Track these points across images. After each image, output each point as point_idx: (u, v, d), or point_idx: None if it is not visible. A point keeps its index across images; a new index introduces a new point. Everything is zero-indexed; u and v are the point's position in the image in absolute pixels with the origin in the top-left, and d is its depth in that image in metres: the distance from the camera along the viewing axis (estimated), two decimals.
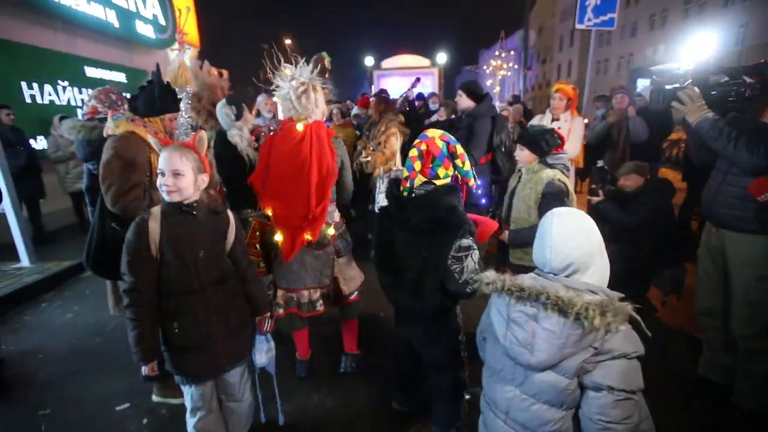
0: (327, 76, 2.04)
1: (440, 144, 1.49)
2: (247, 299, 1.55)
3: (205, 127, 3.02)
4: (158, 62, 3.06)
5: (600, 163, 3.22)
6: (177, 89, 2.94)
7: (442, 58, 15.81)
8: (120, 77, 6.46)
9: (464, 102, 3.09)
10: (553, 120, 3.28)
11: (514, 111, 4.91)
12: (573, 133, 3.23)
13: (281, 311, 2.06)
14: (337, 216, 2.09)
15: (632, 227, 2.46)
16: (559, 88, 3.27)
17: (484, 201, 3.00)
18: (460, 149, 1.51)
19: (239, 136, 2.42)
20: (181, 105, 3.04)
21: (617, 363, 0.91)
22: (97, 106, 2.25)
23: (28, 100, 4.96)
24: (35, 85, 5.06)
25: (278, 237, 1.97)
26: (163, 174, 1.35)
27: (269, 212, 1.96)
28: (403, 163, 3.58)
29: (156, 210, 1.39)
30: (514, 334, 1.01)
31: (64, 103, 5.45)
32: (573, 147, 3.21)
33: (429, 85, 15.43)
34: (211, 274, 1.40)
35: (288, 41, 34.03)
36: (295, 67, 1.92)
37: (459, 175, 1.51)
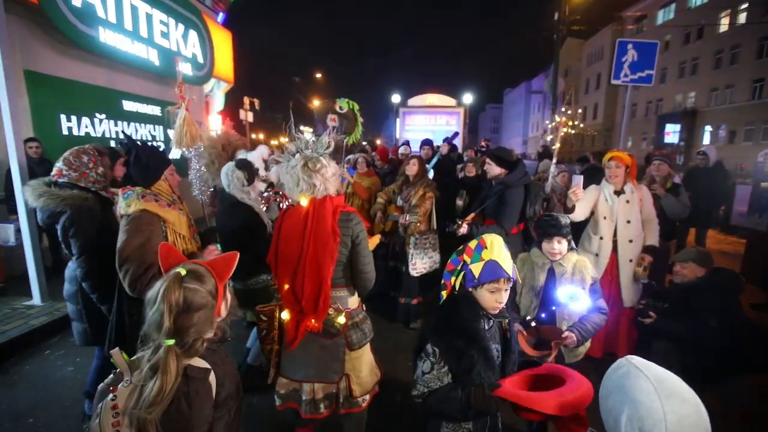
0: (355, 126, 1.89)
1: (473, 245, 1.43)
2: None
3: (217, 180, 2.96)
4: (168, 109, 3.01)
5: (644, 279, 2.83)
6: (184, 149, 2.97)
7: (468, 98, 15.98)
8: (155, 110, 6.66)
9: (494, 170, 2.94)
10: (618, 193, 2.85)
11: (544, 167, 4.65)
12: (647, 204, 2.89)
13: (280, 403, 1.83)
14: (352, 302, 1.84)
15: (695, 339, 2.09)
16: (613, 155, 2.87)
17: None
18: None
19: (251, 199, 2.36)
20: (193, 162, 3.04)
21: None
22: (63, 168, 2.01)
23: (65, 132, 5.09)
24: (73, 117, 5.21)
25: (285, 315, 1.79)
26: None
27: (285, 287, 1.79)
28: (438, 225, 3.52)
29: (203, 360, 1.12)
30: None
31: (99, 135, 5.59)
32: (655, 219, 2.88)
33: (454, 124, 15.53)
34: None
35: (318, 75, 35.73)
36: (311, 135, 1.80)
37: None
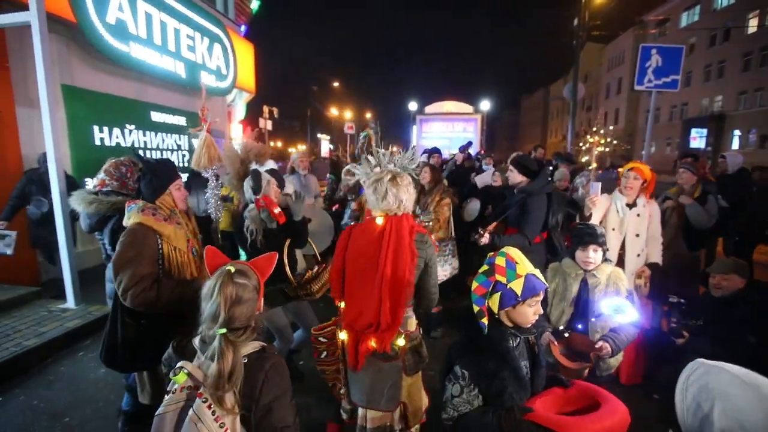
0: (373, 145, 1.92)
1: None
2: None
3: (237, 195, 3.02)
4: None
5: (673, 298, 2.73)
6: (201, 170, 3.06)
7: (485, 104, 15.94)
8: (181, 120, 6.89)
9: (516, 177, 2.91)
10: (630, 206, 2.81)
11: (562, 177, 4.58)
12: (655, 221, 2.83)
13: (345, 417, 1.83)
14: (412, 324, 1.78)
15: (733, 358, 2.00)
16: (634, 166, 2.83)
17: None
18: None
19: (249, 212, 2.39)
20: (210, 182, 3.11)
21: None
22: (105, 179, 2.23)
23: (98, 143, 5.34)
24: (105, 128, 5.46)
25: (343, 336, 1.75)
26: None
27: (341, 305, 1.76)
28: (456, 231, 3.54)
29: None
30: None
31: (129, 144, 5.82)
32: (660, 237, 2.81)
33: (471, 131, 15.49)
34: None
35: (336, 84, 36.32)
36: (382, 154, 1.77)
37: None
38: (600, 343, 1.72)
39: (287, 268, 2.34)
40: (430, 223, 3.35)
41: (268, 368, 1.15)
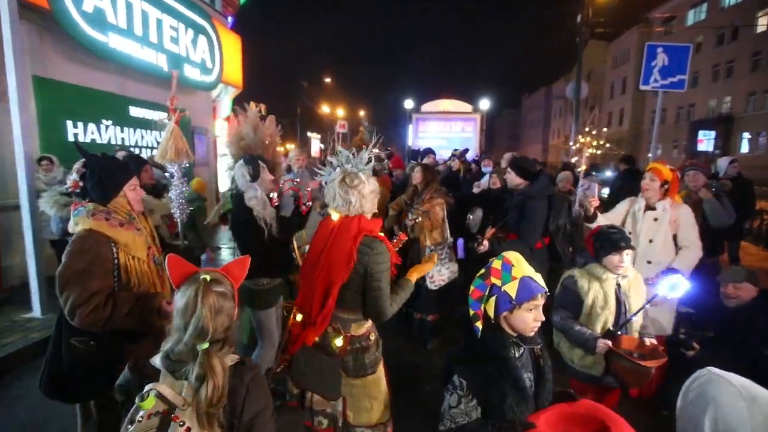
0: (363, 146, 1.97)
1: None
2: None
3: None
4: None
5: (682, 308, 2.70)
6: (167, 163, 3.03)
7: (484, 103, 16.03)
8: (162, 116, 6.83)
9: (514, 180, 2.94)
10: (647, 209, 2.76)
11: (564, 179, 4.63)
12: (684, 227, 2.67)
13: (288, 399, 1.85)
14: (356, 328, 1.82)
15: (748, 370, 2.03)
16: (652, 167, 2.76)
17: None
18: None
19: (255, 198, 2.40)
20: (175, 179, 3.09)
21: None
22: (78, 180, 2.05)
23: (71, 138, 5.26)
24: (80, 124, 5.39)
25: (299, 318, 1.86)
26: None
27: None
28: (452, 233, 3.57)
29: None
30: None
31: (105, 141, 5.76)
32: (694, 246, 2.65)
33: (470, 131, 15.58)
34: None
35: (327, 79, 36.33)
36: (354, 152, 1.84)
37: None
38: (650, 341, 1.85)
39: (297, 252, 2.42)
40: (419, 219, 3.37)
41: (248, 381, 1.14)
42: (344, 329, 1.80)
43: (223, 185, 8.42)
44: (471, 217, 3.95)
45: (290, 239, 2.69)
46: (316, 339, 1.77)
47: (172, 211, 3.15)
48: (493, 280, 1.35)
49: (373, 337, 1.88)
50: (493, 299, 1.34)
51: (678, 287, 1.91)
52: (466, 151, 5.69)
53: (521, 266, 1.36)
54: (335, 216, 1.78)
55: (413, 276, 1.92)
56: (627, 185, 4.25)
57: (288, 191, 2.77)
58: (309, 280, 1.81)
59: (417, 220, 3.38)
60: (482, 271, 1.42)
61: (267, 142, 2.92)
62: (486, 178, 4.68)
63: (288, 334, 1.91)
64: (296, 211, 2.60)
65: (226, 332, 1.16)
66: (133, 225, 1.82)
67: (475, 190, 4.41)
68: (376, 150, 1.86)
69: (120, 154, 2.22)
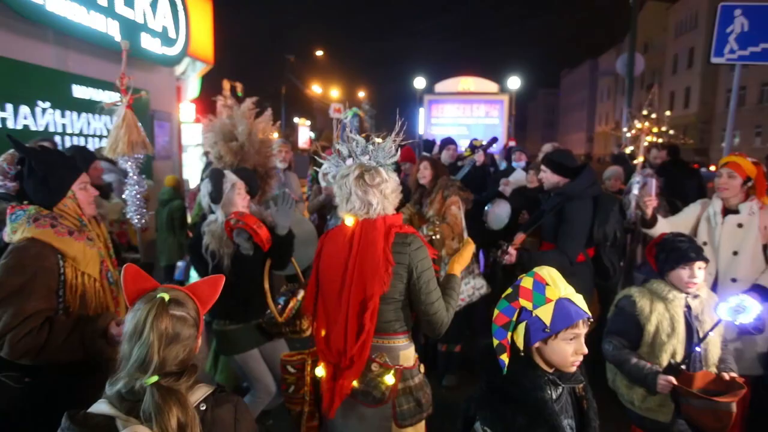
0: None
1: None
2: None
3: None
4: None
5: None
6: (119, 158, 3.01)
7: (514, 82, 16.03)
8: (113, 97, 6.83)
9: (550, 178, 2.94)
10: (726, 212, 2.71)
11: (612, 176, 4.56)
12: None
13: None
14: (407, 357, 1.80)
15: None
16: (729, 161, 2.72)
17: None
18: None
19: (208, 227, 2.41)
20: (129, 176, 3.06)
21: None
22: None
23: None
24: (9, 106, 5.40)
25: (320, 371, 1.83)
26: None
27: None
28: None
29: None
30: None
31: (42, 128, 5.77)
32: None
33: (496, 116, 15.58)
34: None
35: (319, 52, 36.67)
36: (364, 141, 1.82)
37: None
38: (730, 375, 1.86)
39: (270, 299, 2.35)
40: (438, 236, 3.34)
41: (235, 408, 1.21)
42: (392, 361, 1.74)
43: (193, 182, 8.46)
44: (490, 210, 3.87)
45: (255, 282, 2.53)
46: (355, 385, 1.70)
47: (128, 216, 3.14)
48: (523, 302, 1.36)
49: (422, 367, 1.88)
50: (522, 326, 1.35)
51: (746, 310, 1.88)
52: (494, 141, 5.61)
53: (558, 285, 1.36)
54: (350, 221, 1.77)
55: (456, 269, 1.94)
56: (667, 183, 4.14)
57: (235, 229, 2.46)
58: (330, 312, 1.78)
59: (436, 235, 3.35)
60: (509, 290, 1.42)
61: (260, 137, 2.94)
62: (517, 174, 4.65)
63: (310, 395, 1.87)
64: (256, 248, 2.42)
65: (183, 364, 1.17)
66: (84, 233, 1.84)
67: (504, 188, 4.39)
68: (379, 140, 1.84)
69: (45, 144, 2.19)
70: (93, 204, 1.98)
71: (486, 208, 4.05)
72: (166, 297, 1.17)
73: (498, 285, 3.56)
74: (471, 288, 3.47)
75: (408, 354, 1.80)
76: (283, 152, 4.54)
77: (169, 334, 1.13)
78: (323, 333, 1.80)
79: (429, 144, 6.39)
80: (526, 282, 1.38)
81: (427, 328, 1.80)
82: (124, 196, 3.15)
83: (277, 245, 2.42)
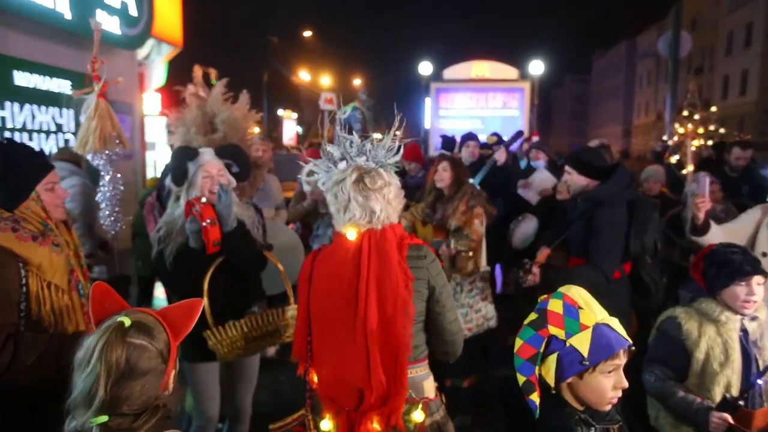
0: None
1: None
2: None
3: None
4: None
5: None
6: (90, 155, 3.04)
7: (536, 67, 16.09)
8: (63, 86, 6.87)
9: (578, 181, 2.94)
10: None
11: (650, 177, 4.54)
12: None
13: None
14: (429, 387, 1.83)
15: None
16: None
17: None
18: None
19: (166, 222, 2.48)
20: (103, 174, 3.09)
21: None
22: None
23: None
24: None
25: (326, 425, 1.78)
26: None
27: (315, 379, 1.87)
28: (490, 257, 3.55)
29: None
30: None
31: None
32: None
33: (515, 107, 15.63)
34: None
35: (307, 33, 36.89)
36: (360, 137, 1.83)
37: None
38: None
39: (207, 310, 2.31)
40: (467, 250, 3.36)
41: None
42: (416, 394, 1.77)
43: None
44: (516, 229, 3.88)
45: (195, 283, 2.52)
46: (377, 428, 1.69)
47: (102, 221, 3.19)
48: (553, 329, 1.35)
49: (443, 396, 1.92)
50: (552, 359, 1.34)
51: None
52: (520, 135, 5.57)
53: (593, 308, 1.37)
54: (352, 234, 1.75)
55: None
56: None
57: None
58: (336, 349, 1.76)
59: (465, 251, 3.34)
60: (533, 316, 1.42)
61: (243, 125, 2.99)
62: (541, 175, 4.64)
63: None
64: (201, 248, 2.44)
65: (144, 404, 1.17)
66: (50, 239, 1.87)
67: (525, 192, 4.39)
68: (378, 135, 1.88)
69: None
70: (61, 207, 2.02)
71: (511, 226, 4.05)
72: (126, 322, 1.17)
73: (519, 309, 3.58)
74: (481, 317, 3.48)
75: (430, 384, 1.84)
76: (260, 151, 4.55)
77: (122, 367, 1.12)
78: (328, 375, 1.78)
79: (449, 141, 6.23)
80: (555, 305, 1.38)
81: (450, 351, 1.85)
82: (97, 199, 3.19)
83: (226, 243, 2.44)
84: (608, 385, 1.32)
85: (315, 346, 1.82)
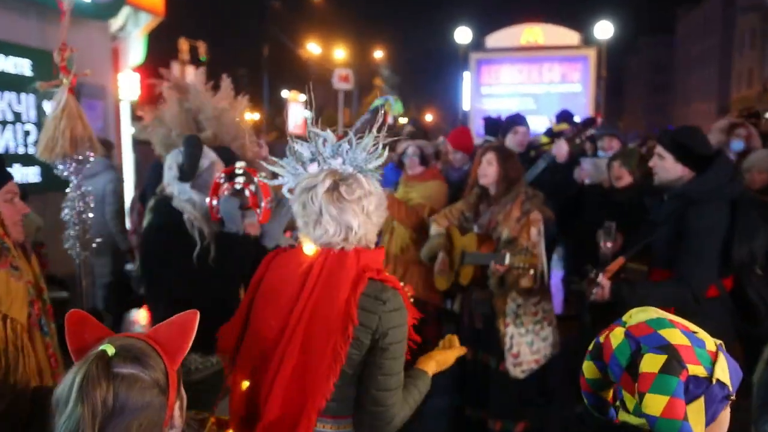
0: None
1: (617, 339, 1.38)
2: None
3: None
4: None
5: None
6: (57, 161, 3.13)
7: (604, 30, 15.98)
8: (21, 65, 7.03)
9: (671, 169, 2.93)
10: None
11: (757, 165, 4.39)
12: None
13: None
14: None
15: None
16: None
17: None
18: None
19: (190, 202, 2.56)
20: (72, 185, 3.15)
21: None
22: None
23: None
24: None
25: None
26: None
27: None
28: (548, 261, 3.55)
29: None
30: None
31: None
32: None
33: (577, 81, 15.54)
34: None
35: None
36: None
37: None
38: None
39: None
40: (527, 267, 3.35)
41: None
42: None
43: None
44: (604, 239, 3.83)
45: (237, 275, 2.72)
46: None
47: (66, 245, 3.25)
48: (693, 369, 1.30)
49: None
50: (698, 405, 1.29)
51: None
52: (591, 122, 5.38)
53: (698, 328, 1.37)
54: (310, 249, 1.82)
55: (430, 366, 2.01)
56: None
57: (225, 192, 2.71)
58: (258, 363, 1.83)
59: (523, 267, 3.32)
60: (660, 358, 1.32)
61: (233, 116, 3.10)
62: (590, 163, 4.66)
63: None
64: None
65: None
66: (7, 260, 1.89)
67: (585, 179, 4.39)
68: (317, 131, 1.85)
69: None
70: (20, 225, 2.07)
71: (600, 235, 3.97)
72: (110, 350, 1.17)
73: (585, 333, 3.55)
74: (545, 345, 3.52)
75: None
76: (253, 152, 4.63)
77: (109, 405, 1.12)
78: (244, 386, 1.84)
79: (493, 123, 6.06)
80: (675, 337, 1.32)
81: (368, 424, 1.82)
82: (62, 216, 3.24)
83: (224, 241, 2.56)
84: (727, 419, 1.33)
85: (243, 349, 1.91)
